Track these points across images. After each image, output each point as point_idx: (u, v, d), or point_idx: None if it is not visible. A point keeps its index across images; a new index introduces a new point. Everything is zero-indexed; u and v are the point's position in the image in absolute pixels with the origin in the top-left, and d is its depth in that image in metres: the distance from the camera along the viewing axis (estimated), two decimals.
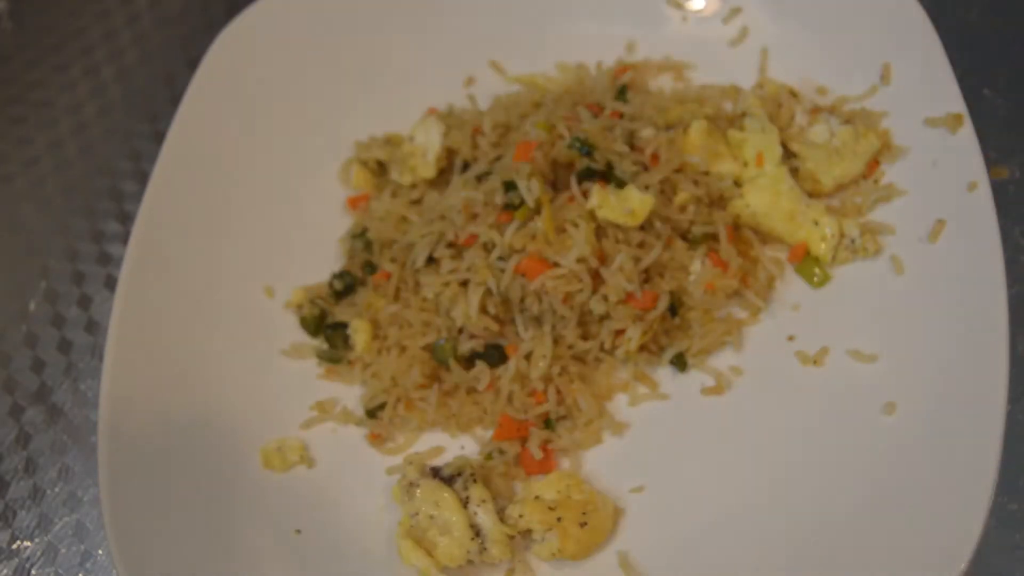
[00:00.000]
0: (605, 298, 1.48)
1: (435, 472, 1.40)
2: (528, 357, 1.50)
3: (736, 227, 1.56)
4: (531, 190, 1.49)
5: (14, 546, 1.55)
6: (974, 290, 1.31)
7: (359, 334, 1.58)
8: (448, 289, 1.53)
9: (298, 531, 1.40)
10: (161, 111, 1.95)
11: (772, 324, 1.50)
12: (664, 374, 1.51)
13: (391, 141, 1.75)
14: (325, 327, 1.61)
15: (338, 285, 1.65)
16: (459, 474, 1.39)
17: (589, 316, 1.50)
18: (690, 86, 1.72)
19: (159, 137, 1.68)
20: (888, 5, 1.54)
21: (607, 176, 1.52)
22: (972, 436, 1.21)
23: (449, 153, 1.68)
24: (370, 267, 1.65)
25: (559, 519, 1.34)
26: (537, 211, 1.49)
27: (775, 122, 1.57)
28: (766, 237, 1.56)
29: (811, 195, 1.55)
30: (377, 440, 1.51)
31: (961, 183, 1.38)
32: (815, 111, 1.58)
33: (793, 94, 1.60)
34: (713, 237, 1.54)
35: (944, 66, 1.45)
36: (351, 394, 1.57)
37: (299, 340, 1.61)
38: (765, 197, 1.53)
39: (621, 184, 1.51)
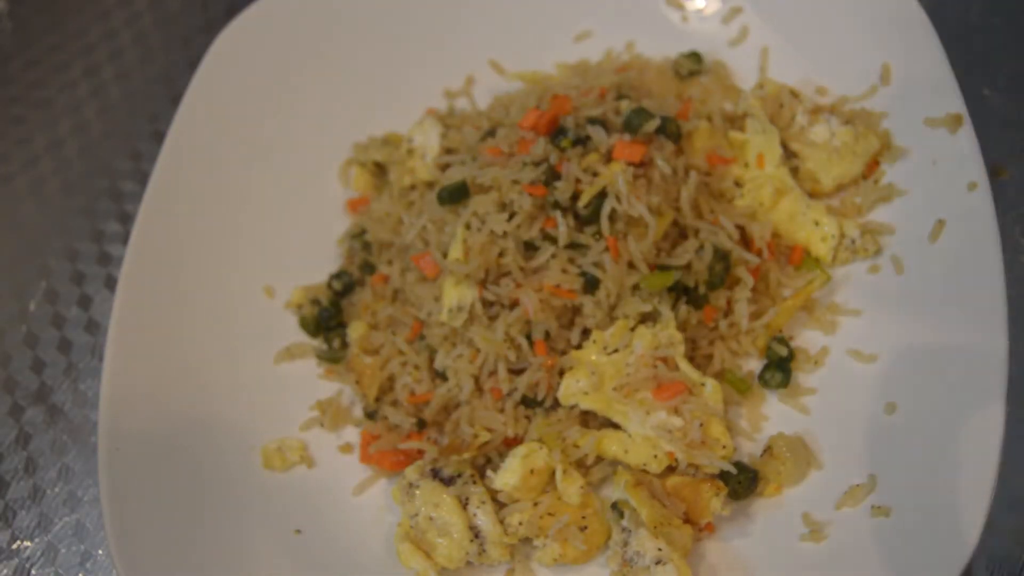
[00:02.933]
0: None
1: (435, 473, 1.40)
2: None
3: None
4: None
5: (14, 546, 1.55)
6: (974, 290, 1.31)
7: (357, 335, 1.58)
8: None
9: (298, 531, 1.40)
10: (161, 111, 1.95)
11: None
12: None
13: (390, 141, 1.75)
14: (325, 327, 1.61)
15: (337, 285, 1.65)
16: (459, 475, 1.39)
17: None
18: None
19: (159, 137, 1.68)
20: (888, 5, 1.54)
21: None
22: (972, 436, 1.21)
23: (448, 153, 1.67)
24: (369, 267, 1.65)
25: (559, 524, 1.33)
26: None
27: (776, 122, 1.57)
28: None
29: (811, 195, 1.55)
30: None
31: (961, 183, 1.37)
32: (815, 111, 1.58)
33: (794, 94, 1.59)
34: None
35: (944, 66, 1.45)
36: (351, 394, 1.56)
37: (299, 340, 1.61)
38: (765, 198, 1.53)
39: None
